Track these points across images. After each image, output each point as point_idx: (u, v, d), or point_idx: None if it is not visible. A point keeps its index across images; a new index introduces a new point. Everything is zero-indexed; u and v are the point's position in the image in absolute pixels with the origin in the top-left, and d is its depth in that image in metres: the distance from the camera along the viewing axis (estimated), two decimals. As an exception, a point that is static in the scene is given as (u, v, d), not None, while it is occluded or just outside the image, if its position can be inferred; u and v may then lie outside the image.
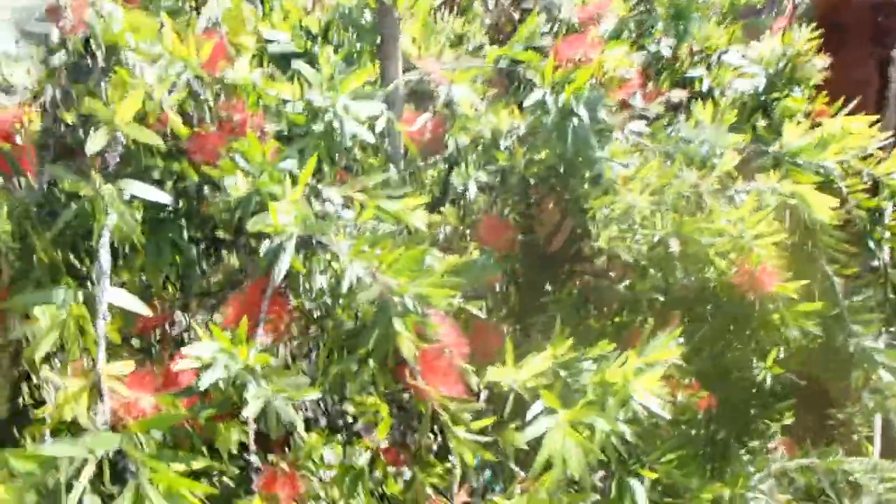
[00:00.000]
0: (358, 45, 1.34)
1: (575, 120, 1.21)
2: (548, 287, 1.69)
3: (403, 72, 1.37)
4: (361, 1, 1.33)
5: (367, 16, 1.34)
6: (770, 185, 1.18)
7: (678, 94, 1.30)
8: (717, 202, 1.19)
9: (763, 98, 1.36)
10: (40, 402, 0.96)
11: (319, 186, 1.08)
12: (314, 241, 0.97)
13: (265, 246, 0.93)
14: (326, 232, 0.96)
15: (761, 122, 1.45)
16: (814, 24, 2.02)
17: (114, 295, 0.85)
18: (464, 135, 1.42)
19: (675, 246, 1.18)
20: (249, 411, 0.82)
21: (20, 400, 0.93)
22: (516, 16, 1.80)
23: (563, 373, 1.12)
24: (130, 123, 0.85)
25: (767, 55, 1.33)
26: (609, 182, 1.23)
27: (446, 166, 1.47)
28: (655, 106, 1.27)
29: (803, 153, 1.25)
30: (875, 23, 1.92)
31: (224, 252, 1.11)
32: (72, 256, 0.92)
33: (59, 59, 0.85)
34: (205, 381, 0.83)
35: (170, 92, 0.90)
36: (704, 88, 1.44)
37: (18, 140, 1.24)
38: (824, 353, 1.24)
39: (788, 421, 1.44)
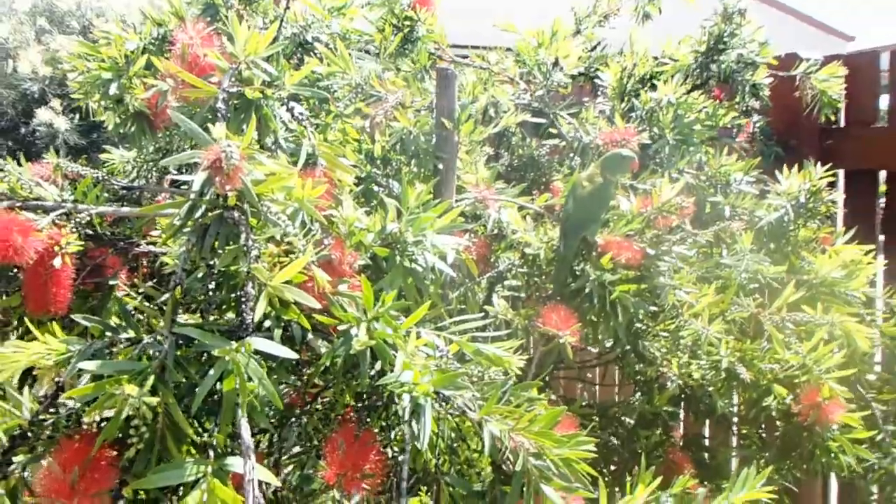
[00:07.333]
0: (415, 168, 1.32)
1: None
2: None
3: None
4: (422, 125, 1.32)
5: (422, 139, 1.34)
6: (822, 317, 1.26)
7: (737, 226, 1.37)
8: (777, 331, 1.26)
9: (785, 227, 1.46)
10: None
11: (420, 330, 1.04)
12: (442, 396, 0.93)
13: (405, 405, 0.88)
14: (460, 387, 0.92)
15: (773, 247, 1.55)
16: (774, 143, 2.23)
17: (258, 471, 0.77)
18: (511, 252, 1.43)
19: (743, 372, 1.23)
20: None
21: None
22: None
23: (656, 517, 1.11)
24: (287, 286, 0.78)
25: (795, 189, 1.43)
26: (674, 309, 1.27)
27: (488, 283, 1.47)
28: (707, 234, 1.33)
29: (838, 284, 1.34)
30: (822, 145, 2.14)
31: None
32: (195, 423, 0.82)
33: (201, 211, 0.78)
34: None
35: (314, 246, 0.84)
36: (726, 214, 1.52)
37: (57, 264, 1.11)
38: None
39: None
